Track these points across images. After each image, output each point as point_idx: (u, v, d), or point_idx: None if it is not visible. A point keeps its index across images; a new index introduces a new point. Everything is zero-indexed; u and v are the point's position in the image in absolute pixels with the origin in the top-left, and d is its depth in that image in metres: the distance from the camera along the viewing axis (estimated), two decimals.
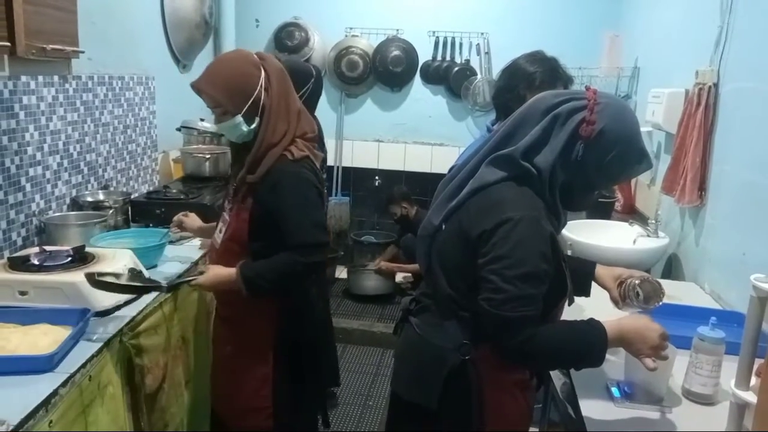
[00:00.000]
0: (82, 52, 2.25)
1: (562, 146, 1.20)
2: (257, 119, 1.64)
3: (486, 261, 1.19)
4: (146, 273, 1.85)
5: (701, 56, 2.33)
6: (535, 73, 1.74)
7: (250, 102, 1.61)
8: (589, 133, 1.18)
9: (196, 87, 1.63)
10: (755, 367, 1.16)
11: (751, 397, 1.13)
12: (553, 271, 1.21)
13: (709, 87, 2.20)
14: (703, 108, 2.21)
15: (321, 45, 4.30)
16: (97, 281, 1.59)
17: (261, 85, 1.62)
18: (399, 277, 4.17)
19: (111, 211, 2.29)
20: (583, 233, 2.50)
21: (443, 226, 1.31)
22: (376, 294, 4.00)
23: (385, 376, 3.27)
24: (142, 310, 1.71)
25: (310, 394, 1.90)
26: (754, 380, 1.16)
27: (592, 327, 1.22)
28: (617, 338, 1.22)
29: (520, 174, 1.22)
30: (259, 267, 1.63)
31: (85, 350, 1.47)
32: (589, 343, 1.21)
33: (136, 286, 1.67)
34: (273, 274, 1.62)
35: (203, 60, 3.68)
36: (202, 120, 3.26)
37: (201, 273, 1.67)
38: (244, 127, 1.63)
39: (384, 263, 3.99)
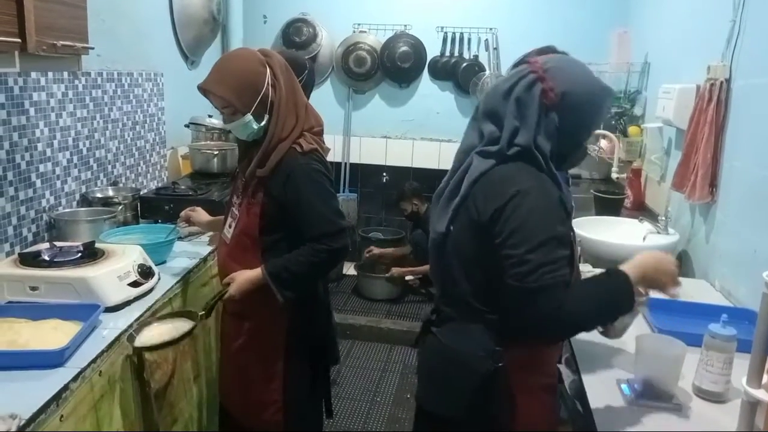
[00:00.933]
0: (92, 48, 2.26)
1: (536, 121, 1.21)
2: (266, 116, 1.64)
3: (504, 239, 1.16)
4: (155, 269, 1.86)
5: (713, 51, 2.30)
6: (532, 52, 1.75)
7: (258, 100, 1.62)
8: (555, 99, 1.20)
9: (204, 88, 1.64)
10: (767, 364, 1.15)
11: (762, 395, 1.12)
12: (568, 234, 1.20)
13: (721, 82, 2.17)
14: (714, 104, 2.19)
15: (329, 41, 4.30)
16: (149, 349, 1.58)
17: (268, 83, 1.62)
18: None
19: (120, 207, 2.30)
20: (593, 230, 2.49)
21: (451, 228, 1.29)
22: (383, 299, 4.01)
23: (393, 372, 3.27)
24: (151, 306, 1.72)
25: (319, 387, 1.91)
26: (766, 378, 1.15)
27: (615, 275, 1.22)
28: (640, 278, 1.23)
29: (512, 155, 1.22)
30: (283, 261, 1.65)
31: (95, 345, 1.48)
32: (618, 291, 1.20)
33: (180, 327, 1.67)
34: (298, 266, 1.64)
35: (211, 56, 3.69)
36: (210, 116, 3.27)
37: (227, 289, 1.68)
38: (255, 125, 1.64)
39: (395, 269, 3.95)
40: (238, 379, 1.79)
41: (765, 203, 1.86)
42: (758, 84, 1.99)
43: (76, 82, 2.31)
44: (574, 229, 1.34)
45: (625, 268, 1.23)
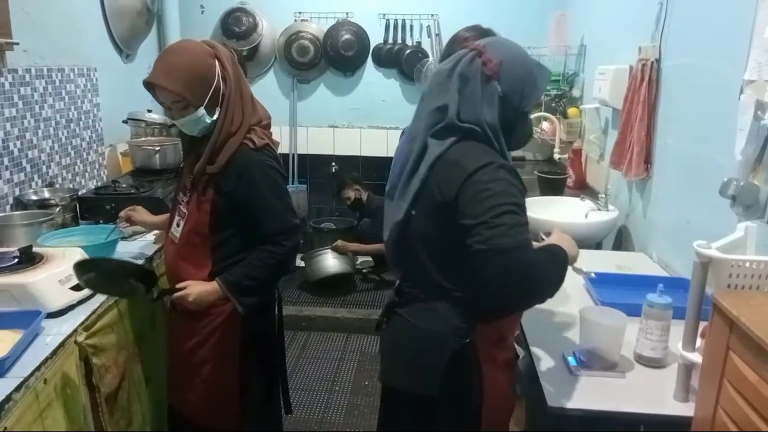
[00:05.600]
0: (17, 43, 2.15)
1: (479, 95, 1.27)
2: (218, 110, 1.60)
3: (470, 210, 1.18)
4: None
5: (643, 33, 2.39)
6: (470, 37, 1.85)
7: (211, 93, 1.57)
8: (494, 69, 1.27)
9: (152, 83, 1.56)
10: (700, 329, 1.22)
11: (696, 357, 1.19)
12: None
13: (652, 63, 2.27)
14: (646, 83, 2.28)
15: (270, 30, 4.23)
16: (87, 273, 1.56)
17: (218, 75, 1.58)
18: (359, 260, 4.17)
19: (58, 209, 2.21)
20: (537, 209, 2.55)
21: (413, 212, 1.31)
22: (336, 273, 3.89)
23: (351, 360, 3.28)
24: (95, 309, 1.66)
25: (276, 381, 1.90)
26: (699, 342, 1.22)
27: (555, 246, 1.28)
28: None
29: (464, 135, 1.27)
30: (241, 270, 1.63)
31: (38, 353, 1.42)
32: (563, 257, 1.26)
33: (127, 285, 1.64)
34: (257, 271, 1.63)
35: (147, 49, 3.57)
36: (149, 111, 3.17)
37: (181, 288, 1.64)
38: (207, 120, 1.60)
39: (340, 241, 3.92)
40: (193, 379, 1.75)
41: (695, 177, 1.95)
42: (685, 63, 2.08)
43: (2, 79, 2.19)
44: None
45: (553, 241, 1.33)
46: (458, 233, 1.19)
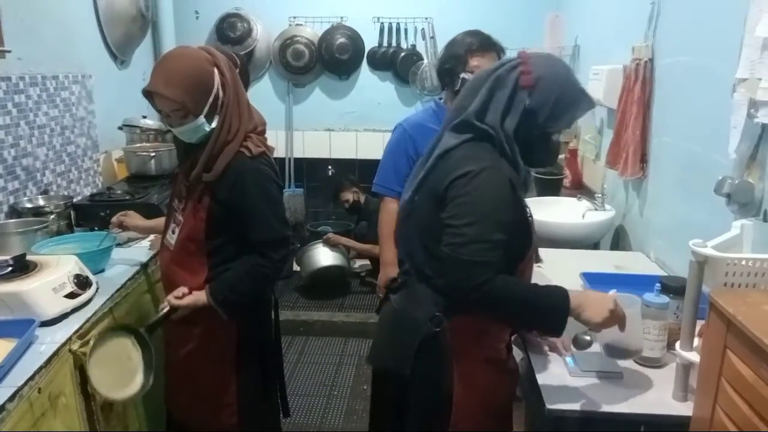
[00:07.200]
0: (9, 51, 2.14)
1: (506, 101, 1.28)
2: (216, 117, 1.59)
3: (449, 210, 1.24)
4: (93, 278, 1.79)
5: (636, 32, 2.40)
6: (473, 41, 1.91)
7: (210, 100, 1.56)
8: (530, 82, 1.27)
9: (152, 91, 1.54)
10: (697, 328, 1.22)
11: (694, 356, 1.19)
12: (515, 219, 1.26)
13: (645, 62, 2.27)
14: (640, 83, 2.28)
15: (265, 35, 4.23)
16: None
17: (217, 82, 1.57)
18: (356, 264, 4.17)
19: (52, 217, 2.19)
20: (534, 210, 2.54)
21: (415, 198, 1.37)
22: (328, 266, 3.87)
23: (349, 365, 3.27)
24: (90, 318, 1.65)
25: (273, 386, 1.89)
26: (697, 341, 1.22)
27: (557, 288, 1.25)
28: (576, 304, 1.23)
29: (479, 135, 1.30)
30: (227, 283, 1.62)
31: (32, 362, 1.41)
32: (550, 303, 1.23)
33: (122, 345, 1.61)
34: (243, 285, 1.63)
35: (142, 55, 3.57)
36: (144, 117, 3.16)
37: (174, 310, 1.64)
38: (207, 127, 1.58)
39: (331, 234, 3.94)
40: (189, 384, 1.75)
41: (691, 175, 1.95)
42: (678, 62, 2.08)
43: None
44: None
45: (570, 290, 1.26)
46: (442, 225, 1.25)
